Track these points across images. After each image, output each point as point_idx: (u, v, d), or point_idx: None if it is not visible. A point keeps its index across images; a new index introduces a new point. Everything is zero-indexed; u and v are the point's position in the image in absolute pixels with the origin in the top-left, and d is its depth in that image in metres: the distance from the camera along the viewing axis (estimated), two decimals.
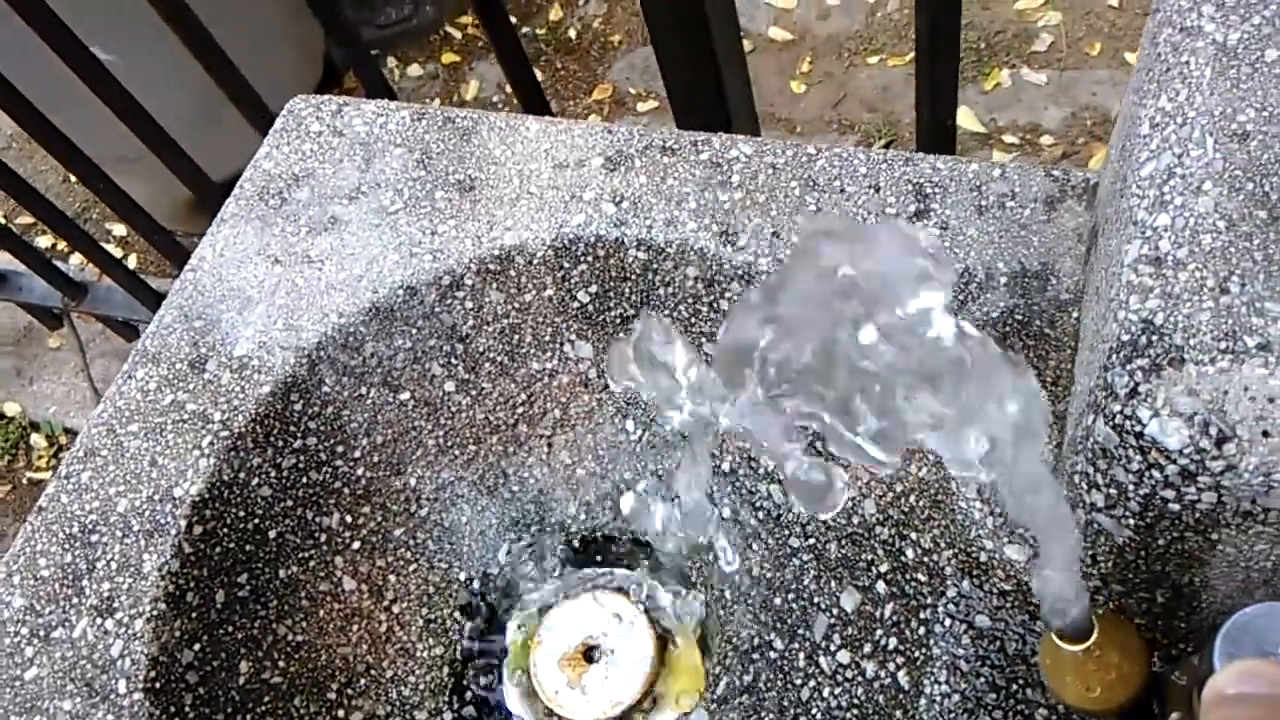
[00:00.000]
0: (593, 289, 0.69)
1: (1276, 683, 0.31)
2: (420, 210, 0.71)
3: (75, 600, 0.60)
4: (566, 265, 0.68)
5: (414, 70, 2.31)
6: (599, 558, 0.70)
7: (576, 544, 0.71)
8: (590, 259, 0.68)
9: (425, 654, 0.67)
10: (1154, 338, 0.39)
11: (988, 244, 0.60)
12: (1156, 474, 0.39)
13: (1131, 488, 0.40)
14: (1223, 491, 0.38)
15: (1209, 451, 0.37)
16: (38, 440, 1.91)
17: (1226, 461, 0.37)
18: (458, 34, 2.35)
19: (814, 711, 0.58)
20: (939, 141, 0.92)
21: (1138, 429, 0.39)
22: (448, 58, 2.31)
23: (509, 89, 1.09)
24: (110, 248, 1.71)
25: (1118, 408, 0.39)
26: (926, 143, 0.93)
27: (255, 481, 0.64)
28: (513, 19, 2.26)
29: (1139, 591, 0.46)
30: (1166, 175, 0.43)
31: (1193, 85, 0.44)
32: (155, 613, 0.59)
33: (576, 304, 0.69)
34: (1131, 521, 0.42)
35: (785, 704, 0.59)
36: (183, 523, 0.61)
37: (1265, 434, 0.37)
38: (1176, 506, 0.40)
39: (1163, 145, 0.44)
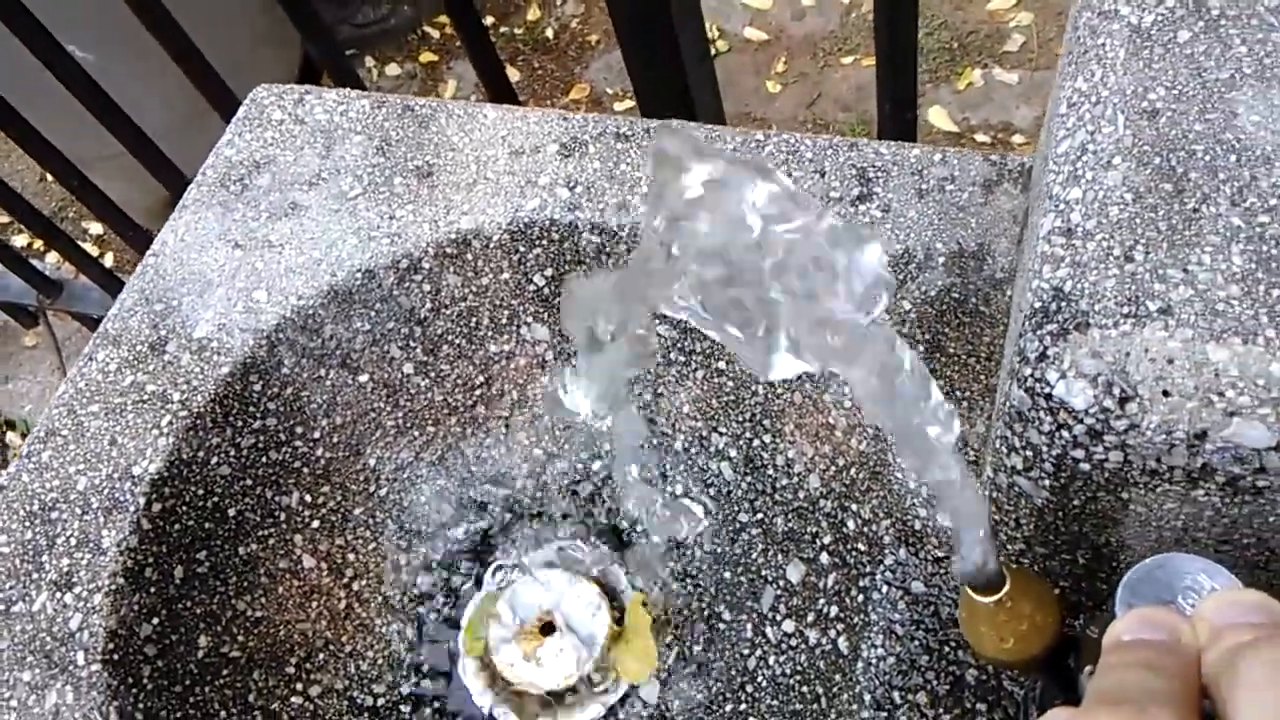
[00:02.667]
0: (548, 272, 0.70)
1: (1171, 629, 0.32)
2: (379, 195, 0.72)
3: (35, 575, 0.61)
4: (522, 249, 0.70)
5: (392, 70, 2.32)
6: (555, 535, 0.71)
7: (533, 521, 0.72)
8: (545, 243, 0.69)
9: (383, 630, 0.68)
10: (1063, 304, 0.41)
11: (927, 225, 0.62)
12: (1066, 434, 0.41)
13: (1045, 448, 0.42)
14: (1128, 450, 0.40)
15: (1113, 411, 0.39)
16: (13, 438, 1.92)
17: (1130, 420, 0.39)
18: (435, 34, 2.36)
19: (760, 679, 0.59)
20: (900, 135, 0.94)
21: (1047, 390, 0.40)
22: (425, 57, 2.32)
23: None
24: (86, 246, 1.71)
25: (1029, 371, 0.41)
26: (888, 136, 0.95)
27: (214, 460, 0.65)
28: (490, 18, 2.28)
29: (1061, 553, 0.47)
30: (1080, 151, 0.45)
31: (1107, 66, 0.46)
32: (114, 587, 0.60)
33: (533, 287, 0.71)
34: (1047, 483, 0.43)
35: (733, 673, 0.61)
36: (142, 500, 0.62)
37: (1165, 393, 0.38)
38: (1087, 466, 0.41)
39: (1078, 123, 0.46)
